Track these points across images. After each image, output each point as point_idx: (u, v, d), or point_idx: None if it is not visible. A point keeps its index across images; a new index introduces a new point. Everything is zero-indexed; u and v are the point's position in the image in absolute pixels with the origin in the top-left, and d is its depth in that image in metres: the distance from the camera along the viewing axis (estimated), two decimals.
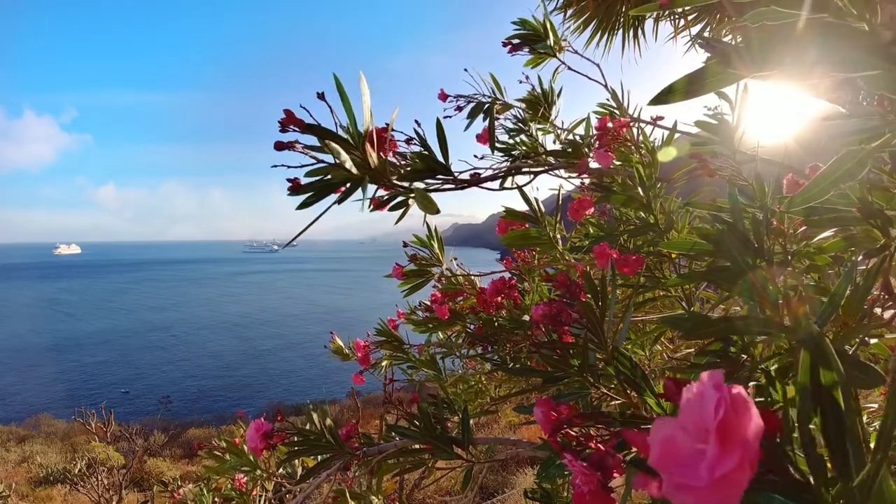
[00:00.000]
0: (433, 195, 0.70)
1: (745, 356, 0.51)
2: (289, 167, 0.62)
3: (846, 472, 0.30)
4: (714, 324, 0.44)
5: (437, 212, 0.66)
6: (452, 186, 0.80)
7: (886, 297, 0.61)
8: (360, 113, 0.63)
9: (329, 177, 0.63)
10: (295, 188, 0.62)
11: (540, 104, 1.63)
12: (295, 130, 0.60)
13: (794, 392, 0.33)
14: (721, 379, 0.27)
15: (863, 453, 0.30)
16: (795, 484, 0.31)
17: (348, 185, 0.64)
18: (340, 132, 0.63)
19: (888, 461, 0.28)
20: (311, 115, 0.60)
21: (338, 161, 0.59)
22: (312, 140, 0.62)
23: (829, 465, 0.31)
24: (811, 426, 0.32)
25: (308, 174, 0.63)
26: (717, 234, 0.63)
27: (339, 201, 0.65)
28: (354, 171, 0.61)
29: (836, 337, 0.59)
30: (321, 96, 0.61)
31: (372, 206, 0.72)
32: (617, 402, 0.62)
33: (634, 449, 0.41)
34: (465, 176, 0.82)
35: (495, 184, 0.97)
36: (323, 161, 0.62)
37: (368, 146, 0.63)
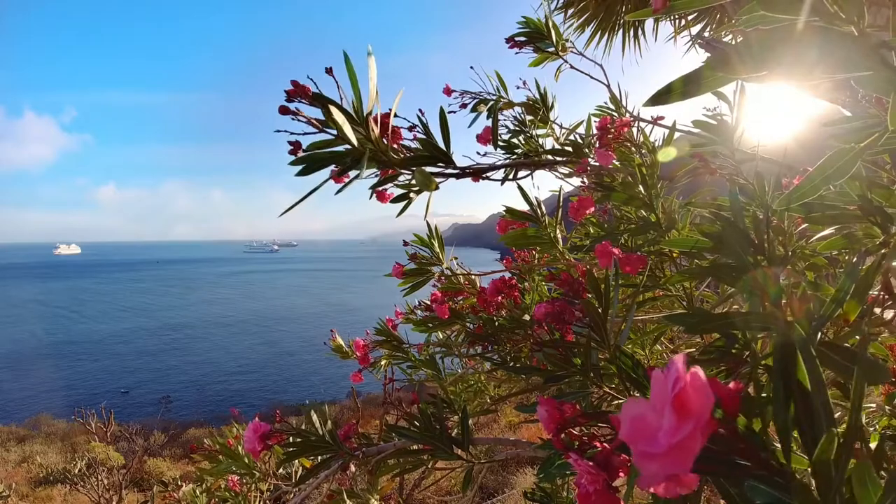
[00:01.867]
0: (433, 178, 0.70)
1: (747, 353, 0.51)
2: (292, 133, 0.62)
3: (813, 450, 0.32)
4: (716, 320, 0.44)
5: (436, 187, 0.66)
6: (453, 172, 0.79)
7: (886, 296, 0.61)
8: (367, 90, 0.63)
9: (329, 149, 0.63)
10: (296, 152, 0.62)
11: (538, 107, 1.64)
12: (301, 102, 0.60)
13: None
14: (683, 362, 0.31)
15: (829, 432, 0.31)
16: (770, 468, 0.33)
17: (347, 159, 0.64)
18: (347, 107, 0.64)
19: (860, 437, 0.30)
20: (317, 87, 0.61)
21: (340, 132, 0.60)
22: (318, 114, 0.62)
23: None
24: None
25: (310, 147, 0.64)
26: (718, 232, 0.63)
27: (340, 174, 0.65)
28: (356, 142, 0.62)
29: (836, 335, 0.59)
30: (329, 71, 0.61)
31: (374, 194, 0.72)
32: (619, 401, 0.62)
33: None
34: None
35: (497, 176, 0.97)
36: (327, 132, 0.62)
37: (371, 122, 0.64)
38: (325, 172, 0.68)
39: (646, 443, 0.29)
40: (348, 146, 0.63)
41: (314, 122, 0.62)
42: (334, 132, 0.62)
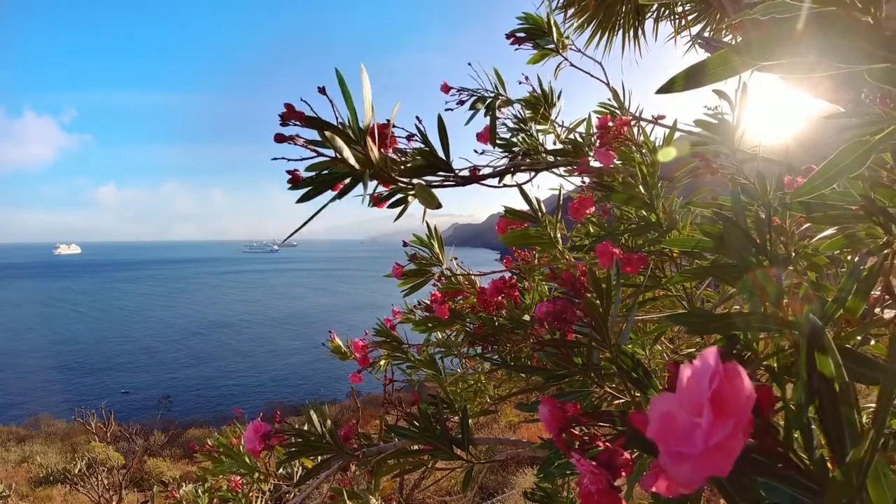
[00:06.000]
0: (434, 191, 0.69)
1: (748, 353, 0.50)
2: (289, 160, 0.61)
3: (841, 454, 0.31)
4: (718, 320, 0.43)
5: (439, 206, 0.65)
6: (453, 183, 0.79)
7: (887, 297, 0.61)
8: (361, 107, 0.62)
9: (329, 171, 0.62)
10: (295, 181, 0.61)
11: (540, 104, 1.63)
12: (296, 124, 0.59)
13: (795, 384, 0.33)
14: (717, 355, 0.28)
15: (858, 437, 0.30)
16: (795, 468, 0.31)
17: (348, 180, 0.63)
18: (341, 126, 0.63)
19: (883, 442, 0.29)
20: (311, 109, 0.60)
21: (339, 155, 0.59)
22: (314, 134, 0.61)
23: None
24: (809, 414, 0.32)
25: (308, 168, 0.62)
26: (720, 232, 0.63)
27: (340, 196, 0.64)
28: (356, 165, 0.61)
29: (838, 336, 0.58)
30: (322, 90, 0.60)
31: (372, 202, 0.72)
32: (619, 401, 0.62)
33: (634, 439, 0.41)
34: (465, 173, 0.82)
35: (496, 180, 0.96)
36: (324, 155, 0.61)
37: (370, 140, 0.63)
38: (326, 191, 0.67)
39: (678, 442, 0.27)
40: (347, 167, 0.62)
41: (313, 148, 0.61)
42: (332, 153, 0.62)
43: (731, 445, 0.26)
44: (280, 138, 0.59)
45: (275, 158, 0.62)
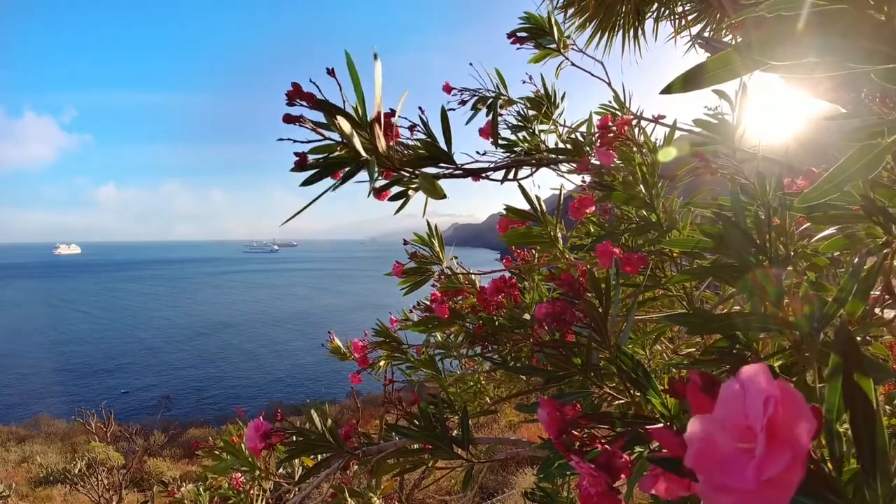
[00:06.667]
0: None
1: (748, 353, 0.50)
2: (295, 141, 0.61)
3: (873, 472, 0.29)
4: (718, 320, 0.43)
5: (443, 196, 0.65)
6: (454, 174, 0.79)
7: (887, 297, 0.61)
8: (371, 93, 0.62)
9: (335, 155, 0.62)
10: (301, 163, 0.61)
11: (543, 103, 1.63)
12: (302, 105, 0.59)
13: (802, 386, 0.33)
14: (768, 373, 0.25)
15: (889, 455, 0.29)
16: (823, 482, 0.29)
17: (351, 166, 0.63)
18: (349, 111, 0.62)
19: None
20: (320, 92, 0.59)
21: (347, 141, 0.59)
22: (319, 117, 0.61)
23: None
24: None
25: (312, 151, 0.62)
26: (720, 232, 0.62)
27: (343, 181, 0.64)
28: (363, 151, 0.60)
29: None
30: (331, 72, 0.59)
31: (374, 193, 0.71)
32: (619, 401, 0.62)
33: (639, 448, 0.40)
34: (467, 167, 0.82)
35: (497, 176, 0.96)
36: (330, 139, 0.61)
37: (377, 128, 0.62)
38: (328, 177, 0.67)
39: (723, 472, 0.24)
40: (353, 152, 0.61)
41: (319, 130, 0.61)
42: (338, 137, 0.61)
43: (788, 479, 0.23)
44: (288, 119, 0.59)
45: (281, 139, 0.61)
